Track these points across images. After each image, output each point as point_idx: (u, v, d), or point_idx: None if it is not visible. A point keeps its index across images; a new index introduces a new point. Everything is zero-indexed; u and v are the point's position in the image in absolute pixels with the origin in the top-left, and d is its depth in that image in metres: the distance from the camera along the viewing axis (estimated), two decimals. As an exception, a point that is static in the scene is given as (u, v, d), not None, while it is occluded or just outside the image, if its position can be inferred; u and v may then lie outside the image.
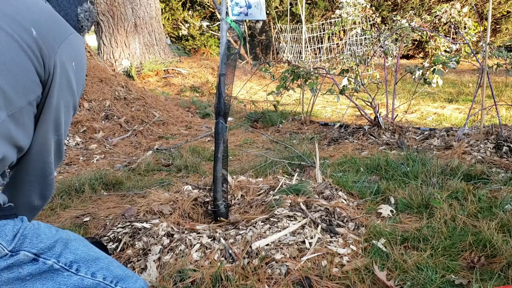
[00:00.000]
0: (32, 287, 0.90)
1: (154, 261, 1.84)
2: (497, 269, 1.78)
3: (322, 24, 9.66)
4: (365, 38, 8.02)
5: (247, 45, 11.17)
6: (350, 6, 6.07)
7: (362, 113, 4.54)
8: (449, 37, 6.45)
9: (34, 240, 0.93)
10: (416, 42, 10.59)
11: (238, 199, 2.47)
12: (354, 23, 6.65)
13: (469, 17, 4.50)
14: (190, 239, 1.97)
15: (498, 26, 11.00)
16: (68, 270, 0.94)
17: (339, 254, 1.92)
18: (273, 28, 10.74)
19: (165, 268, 1.80)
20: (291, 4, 10.00)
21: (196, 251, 1.90)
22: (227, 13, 2.07)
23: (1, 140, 0.93)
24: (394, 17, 5.11)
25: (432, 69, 3.91)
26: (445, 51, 4.70)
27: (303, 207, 2.24)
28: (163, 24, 10.20)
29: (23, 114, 0.97)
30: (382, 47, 4.49)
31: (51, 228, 0.99)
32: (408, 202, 2.46)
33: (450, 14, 4.48)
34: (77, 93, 1.10)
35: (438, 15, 4.60)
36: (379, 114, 4.28)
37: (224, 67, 2.07)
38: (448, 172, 2.93)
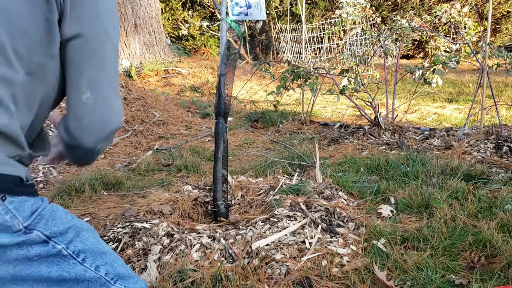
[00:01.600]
0: (38, 268, 0.90)
1: (154, 261, 1.84)
2: (497, 269, 1.78)
3: (322, 24, 9.66)
4: (365, 38, 8.02)
5: (247, 45, 11.17)
6: (350, 6, 6.07)
7: (362, 113, 4.54)
8: (449, 37, 6.45)
9: (50, 223, 0.92)
10: (416, 42, 10.59)
11: (238, 199, 2.47)
12: (354, 23, 6.65)
13: (469, 17, 4.50)
14: (190, 239, 1.97)
15: (498, 26, 11.00)
16: (74, 258, 0.94)
17: (339, 254, 1.92)
18: (273, 28, 10.74)
19: (165, 268, 1.80)
20: (291, 4, 10.00)
21: (196, 251, 1.90)
22: (227, 13, 2.07)
23: (24, 106, 0.89)
24: (394, 17, 5.11)
25: (432, 69, 3.91)
26: (445, 51, 4.71)
27: (303, 207, 2.24)
28: (163, 24, 10.20)
29: (45, 68, 0.89)
30: (382, 47, 4.49)
31: (68, 214, 0.98)
32: (408, 202, 2.46)
33: (450, 14, 4.49)
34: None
35: (438, 15, 4.60)
36: (379, 114, 4.28)
37: (224, 67, 2.07)
38: (448, 172, 2.93)
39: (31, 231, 0.88)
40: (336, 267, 1.83)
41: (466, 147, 3.45)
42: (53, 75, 0.93)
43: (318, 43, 9.41)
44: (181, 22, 11.38)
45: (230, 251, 1.88)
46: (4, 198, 0.85)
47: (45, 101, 0.96)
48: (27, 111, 0.92)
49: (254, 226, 2.08)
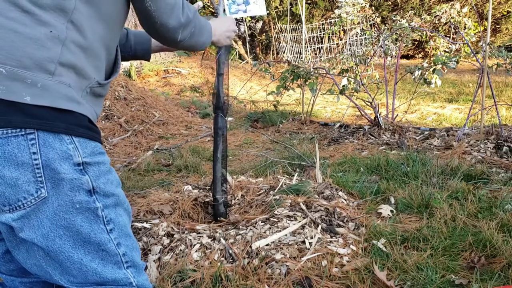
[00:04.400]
0: (74, 217, 0.92)
1: (154, 261, 1.84)
2: (497, 269, 1.78)
3: (322, 24, 9.66)
4: (365, 38, 8.03)
5: (247, 45, 11.17)
6: (349, 6, 6.07)
7: (362, 113, 4.54)
8: (449, 37, 6.45)
9: (101, 178, 0.94)
10: (416, 42, 10.60)
11: (238, 199, 2.47)
12: (354, 23, 6.65)
13: (469, 17, 4.50)
14: (190, 239, 1.97)
15: (498, 26, 11.01)
16: (104, 224, 0.96)
17: (339, 254, 1.92)
18: (273, 28, 10.74)
19: (165, 268, 1.80)
20: (291, 4, 10.00)
21: (196, 251, 1.90)
22: (224, 12, 2.07)
23: (87, 30, 0.92)
24: (394, 17, 5.11)
25: (432, 69, 3.91)
26: (445, 51, 4.71)
27: (303, 207, 2.24)
28: (163, 24, 10.17)
29: None
30: (382, 47, 4.49)
31: (119, 185, 1.02)
32: (408, 202, 2.46)
33: (450, 15, 4.49)
34: None
35: (438, 15, 4.61)
36: (379, 114, 4.28)
37: (222, 67, 2.07)
38: (448, 172, 2.93)
39: (85, 174, 0.91)
40: (336, 267, 1.83)
41: (466, 147, 3.45)
42: None
43: (318, 43, 9.41)
44: (181, 22, 11.36)
45: (230, 251, 1.88)
46: (71, 134, 0.88)
47: (110, 20, 0.99)
48: (91, 34, 0.93)
49: (254, 226, 2.08)
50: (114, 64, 1.06)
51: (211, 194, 2.36)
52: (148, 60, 1.46)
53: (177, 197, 2.42)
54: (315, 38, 9.36)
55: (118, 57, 1.07)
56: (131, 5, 1.05)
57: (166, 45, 1.18)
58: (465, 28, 4.44)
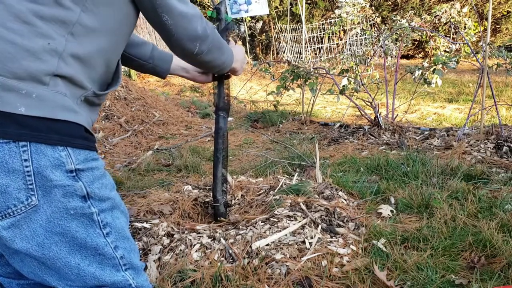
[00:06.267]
0: (69, 223, 0.91)
1: (154, 261, 1.85)
2: (497, 269, 1.78)
3: (322, 24, 9.66)
4: (365, 38, 8.03)
5: (247, 45, 11.17)
6: (350, 6, 6.07)
7: (362, 113, 4.54)
8: (449, 37, 6.45)
9: (95, 183, 0.94)
10: (416, 42, 10.60)
11: (238, 199, 2.47)
12: (354, 23, 6.65)
13: (469, 17, 4.50)
14: (190, 239, 1.97)
15: (498, 26, 11.01)
16: (101, 228, 0.96)
17: (339, 254, 1.92)
18: (273, 28, 10.74)
19: (165, 268, 1.80)
20: (291, 4, 10.00)
21: (196, 251, 1.90)
22: (226, 12, 2.07)
23: (87, 42, 0.91)
24: (394, 17, 5.11)
25: (432, 69, 3.91)
26: (445, 51, 4.71)
27: (303, 207, 2.24)
28: (163, 24, 10.16)
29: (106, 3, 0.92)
30: (382, 47, 4.49)
31: (113, 188, 1.01)
32: (408, 202, 2.46)
33: (450, 14, 4.49)
34: None
35: (438, 15, 4.61)
36: (379, 114, 4.28)
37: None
38: (448, 172, 2.93)
39: (78, 180, 0.90)
40: (336, 267, 1.83)
41: (466, 147, 3.45)
42: (118, 8, 0.96)
43: (318, 43, 9.41)
44: (181, 22, 11.35)
45: (230, 251, 1.88)
46: (65, 145, 0.88)
47: (114, 34, 0.98)
48: (91, 47, 0.93)
49: (254, 226, 2.08)
50: (114, 76, 1.06)
51: (211, 194, 2.36)
52: (163, 78, 1.48)
53: (177, 197, 2.42)
54: (315, 38, 9.36)
55: (118, 70, 1.06)
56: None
57: (184, 58, 1.18)
58: (465, 28, 4.45)
